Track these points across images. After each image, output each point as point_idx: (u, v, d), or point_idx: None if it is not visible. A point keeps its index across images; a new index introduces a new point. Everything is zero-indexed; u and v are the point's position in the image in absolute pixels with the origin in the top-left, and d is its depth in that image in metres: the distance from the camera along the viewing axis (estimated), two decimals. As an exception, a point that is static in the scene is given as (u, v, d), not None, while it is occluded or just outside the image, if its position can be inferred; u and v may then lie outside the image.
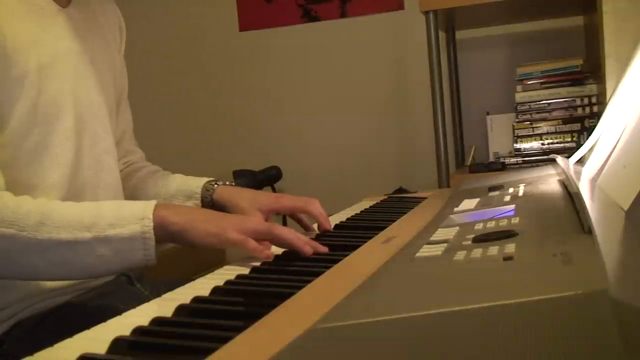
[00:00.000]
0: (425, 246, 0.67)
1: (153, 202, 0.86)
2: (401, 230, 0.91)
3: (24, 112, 0.91)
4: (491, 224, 0.72)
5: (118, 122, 1.20)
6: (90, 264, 0.83)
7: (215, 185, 1.14)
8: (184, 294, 0.69)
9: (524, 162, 1.95)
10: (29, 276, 0.89)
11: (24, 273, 0.87)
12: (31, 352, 0.54)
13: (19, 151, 0.91)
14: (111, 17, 1.18)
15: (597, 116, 1.89)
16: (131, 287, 1.09)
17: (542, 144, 1.95)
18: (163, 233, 0.84)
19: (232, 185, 1.16)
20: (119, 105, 1.20)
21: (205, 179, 1.16)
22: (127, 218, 0.83)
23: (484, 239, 0.63)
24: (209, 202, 1.13)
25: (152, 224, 0.83)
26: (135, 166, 1.25)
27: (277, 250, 0.86)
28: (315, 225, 1.07)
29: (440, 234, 0.74)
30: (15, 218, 0.81)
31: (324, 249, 0.84)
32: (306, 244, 0.83)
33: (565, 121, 1.94)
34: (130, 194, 1.19)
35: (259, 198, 1.10)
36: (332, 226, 1.05)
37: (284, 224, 1.96)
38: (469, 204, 0.95)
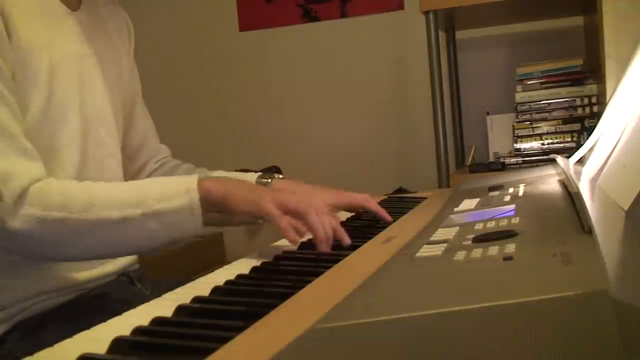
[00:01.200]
0: (425, 246, 0.67)
1: (196, 175, 0.88)
2: (401, 230, 0.91)
3: (36, 111, 0.92)
4: (491, 224, 0.72)
5: (137, 123, 1.21)
6: (142, 239, 0.86)
7: (270, 180, 1.14)
8: (184, 294, 0.69)
9: (524, 162, 1.95)
10: (84, 256, 0.92)
11: (78, 254, 0.89)
12: (32, 352, 0.54)
13: None
14: (118, 21, 1.18)
15: (597, 116, 1.89)
16: (132, 286, 1.09)
17: (542, 144, 1.95)
18: (208, 203, 0.86)
19: (285, 178, 1.17)
20: (135, 106, 1.21)
21: (255, 174, 1.16)
22: (173, 191, 0.86)
23: (484, 239, 0.63)
24: None
25: (197, 195, 0.85)
26: (172, 164, 1.26)
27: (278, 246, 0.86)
28: None
29: (440, 234, 0.74)
30: (65, 201, 0.83)
31: (347, 241, 0.85)
32: (324, 242, 0.84)
33: (565, 121, 1.94)
34: None
35: (318, 192, 1.11)
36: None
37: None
38: (469, 204, 0.95)
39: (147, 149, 1.23)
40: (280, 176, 1.17)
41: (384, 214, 1.06)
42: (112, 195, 0.85)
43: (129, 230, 0.85)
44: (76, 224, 0.83)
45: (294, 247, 0.91)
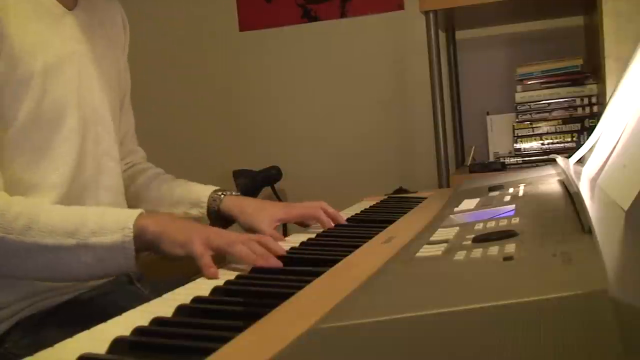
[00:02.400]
0: (425, 246, 0.67)
1: (137, 212, 0.87)
2: (401, 230, 0.91)
3: (28, 112, 0.91)
4: (491, 224, 0.72)
5: (121, 122, 1.20)
6: (74, 268, 0.86)
7: (222, 196, 1.14)
8: (184, 294, 0.69)
9: (524, 162, 1.95)
10: (17, 276, 0.91)
11: (17, 273, 0.89)
12: (32, 351, 0.54)
13: (22, 151, 0.91)
14: (115, 17, 1.18)
15: (597, 116, 1.89)
16: (131, 286, 1.09)
17: (542, 144, 1.95)
18: (141, 242, 0.85)
19: (238, 195, 1.17)
20: (123, 105, 1.20)
21: (211, 188, 1.16)
22: (109, 226, 0.85)
23: (484, 239, 0.63)
24: (215, 212, 1.14)
25: (132, 233, 0.84)
26: (138, 168, 1.25)
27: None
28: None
29: (440, 234, 0.74)
30: (4, 221, 0.83)
31: (277, 264, 0.82)
32: (258, 261, 0.82)
33: (565, 121, 1.94)
34: (133, 197, 1.19)
35: (267, 207, 1.11)
36: (334, 226, 1.07)
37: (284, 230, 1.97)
38: (469, 204, 0.95)
39: (123, 148, 1.22)
40: (234, 193, 1.16)
41: (334, 223, 1.07)
42: (50, 221, 0.85)
43: (62, 258, 0.84)
44: (12, 245, 0.83)
45: (294, 247, 0.91)
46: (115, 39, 1.16)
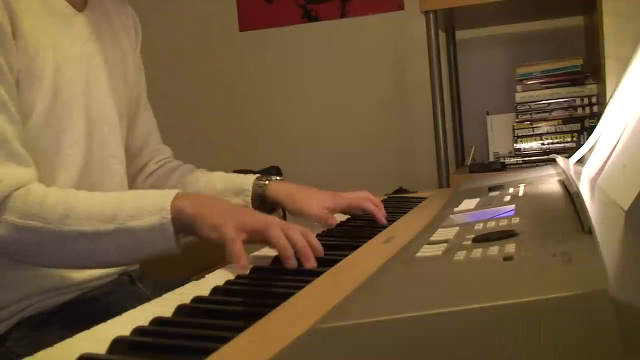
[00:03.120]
0: (425, 246, 0.67)
1: (174, 192, 0.87)
2: (401, 230, 0.91)
3: (41, 111, 0.92)
4: (491, 224, 0.72)
5: (141, 123, 1.20)
6: (114, 253, 0.86)
7: (267, 181, 1.13)
8: (184, 294, 0.69)
9: (524, 162, 1.95)
10: (57, 265, 0.92)
11: (52, 262, 0.90)
12: (33, 351, 0.54)
13: (34, 151, 0.92)
14: (127, 20, 1.18)
15: (597, 116, 1.89)
16: (132, 286, 1.09)
17: (542, 144, 1.95)
18: (179, 224, 0.85)
19: (282, 180, 1.15)
20: (139, 106, 1.20)
21: (253, 176, 1.15)
22: (147, 209, 0.85)
23: (484, 239, 0.63)
24: (260, 198, 1.12)
25: (169, 215, 0.84)
26: (171, 165, 1.25)
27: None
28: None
29: (440, 234, 0.74)
30: (41, 210, 0.84)
31: (312, 264, 0.79)
32: (290, 259, 0.79)
33: (565, 121, 1.94)
34: None
35: (315, 194, 1.10)
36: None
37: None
38: (469, 204, 0.95)
39: (148, 149, 1.23)
40: (279, 178, 1.16)
41: (380, 216, 1.06)
42: (88, 208, 0.85)
43: (102, 244, 0.85)
44: (50, 234, 0.84)
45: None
46: (125, 41, 1.16)
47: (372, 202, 1.08)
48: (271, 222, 0.83)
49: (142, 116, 1.21)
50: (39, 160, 0.92)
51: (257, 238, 0.84)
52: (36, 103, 0.91)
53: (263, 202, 1.13)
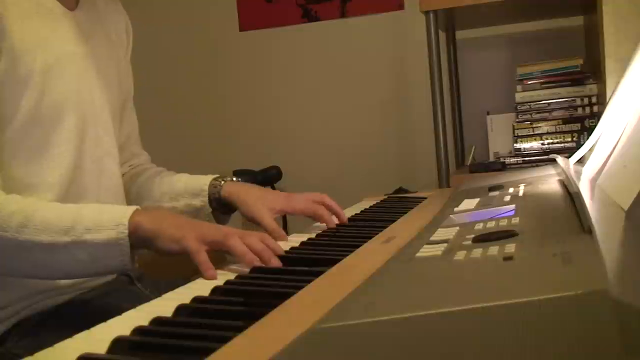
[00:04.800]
0: (425, 246, 0.67)
1: (133, 208, 0.86)
2: (401, 230, 0.91)
3: (27, 111, 0.91)
4: (491, 224, 0.72)
5: (123, 125, 1.19)
6: (70, 266, 0.85)
7: (222, 182, 1.12)
8: (184, 294, 0.69)
9: (524, 162, 1.95)
10: (14, 275, 0.91)
11: (8, 272, 0.89)
12: (32, 351, 0.54)
13: (20, 150, 0.91)
14: (118, 19, 1.18)
15: (597, 116, 1.89)
16: (132, 286, 1.09)
17: (542, 144, 1.95)
18: (137, 239, 0.84)
19: (239, 181, 1.15)
20: (124, 108, 1.20)
21: (211, 177, 1.14)
22: (104, 223, 0.84)
23: (484, 239, 0.63)
24: (217, 199, 1.12)
25: (127, 230, 0.83)
26: (139, 169, 1.25)
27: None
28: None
29: (440, 234, 0.74)
30: (0, 218, 0.82)
31: (275, 264, 0.80)
32: (252, 261, 0.80)
33: (565, 121, 1.93)
34: (136, 197, 1.18)
35: (268, 196, 1.09)
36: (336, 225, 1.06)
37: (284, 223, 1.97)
38: (469, 204, 0.95)
39: (126, 151, 1.22)
40: (235, 179, 1.15)
41: (336, 220, 1.05)
42: (47, 218, 0.84)
43: (58, 256, 0.84)
44: (7, 242, 0.83)
45: (294, 247, 0.91)
46: (117, 41, 1.16)
47: (327, 206, 1.07)
48: (229, 233, 0.84)
49: (126, 118, 1.21)
50: (26, 160, 0.92)
51: (217, 249, 0.84)
52: (22, 103, 0.91)
53: (220, 204, 1.13)
